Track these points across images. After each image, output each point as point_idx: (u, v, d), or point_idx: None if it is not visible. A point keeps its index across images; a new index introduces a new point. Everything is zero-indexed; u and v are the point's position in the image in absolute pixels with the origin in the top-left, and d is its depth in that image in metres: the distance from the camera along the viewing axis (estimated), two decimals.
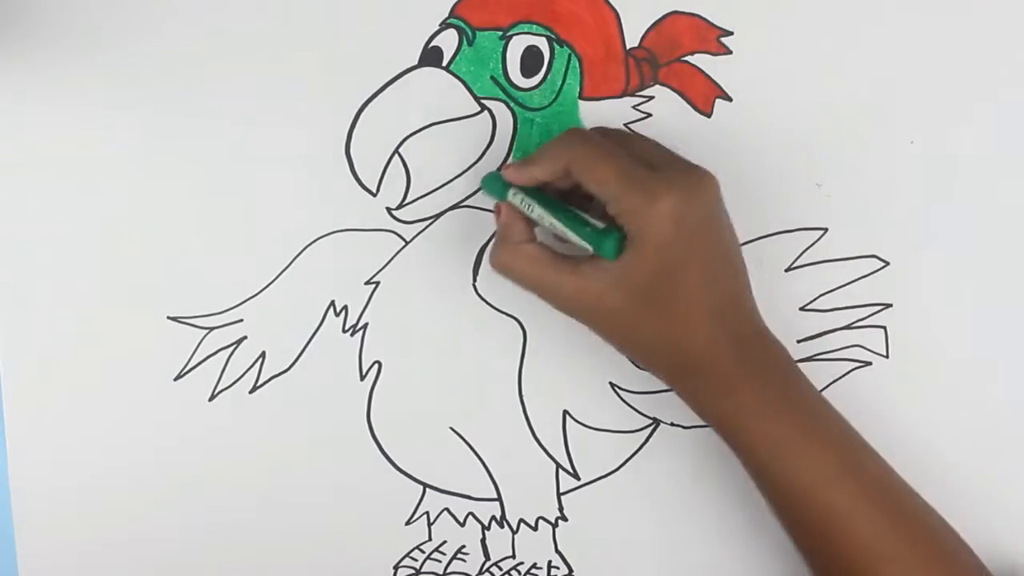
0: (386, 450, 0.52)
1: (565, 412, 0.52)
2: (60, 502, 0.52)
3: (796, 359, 0.50)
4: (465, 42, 0.49)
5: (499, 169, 0.47)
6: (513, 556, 0.54)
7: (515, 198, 0.46)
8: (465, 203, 0.50)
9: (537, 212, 0.45)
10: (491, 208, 0.50)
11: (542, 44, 0.49)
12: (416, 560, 0.53)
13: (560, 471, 0.53)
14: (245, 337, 0.51)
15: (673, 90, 0.49)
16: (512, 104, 0.49)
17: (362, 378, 0.52)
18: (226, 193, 0.50)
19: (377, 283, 0.51)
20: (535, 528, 0.53)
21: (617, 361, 0.51)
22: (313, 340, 0.51)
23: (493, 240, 0.48)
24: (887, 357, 0.51)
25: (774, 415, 0.44)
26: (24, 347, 0.51)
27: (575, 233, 0.44)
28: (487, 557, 0.54)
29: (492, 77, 0.49)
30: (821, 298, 0.51)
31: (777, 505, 0.46)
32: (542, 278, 0.45)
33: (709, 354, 0.44)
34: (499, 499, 0.53)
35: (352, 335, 0.51)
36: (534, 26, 0.49)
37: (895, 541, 0.44)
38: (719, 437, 0.46)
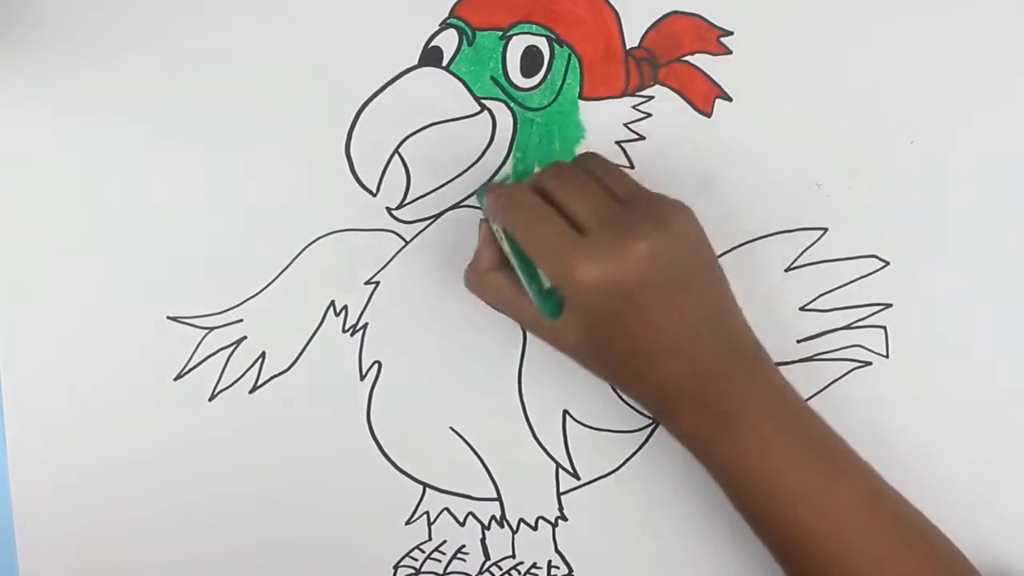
0: (386, 450, 0.52)
1: (565, 412, 0.52)
2: (60, 502, 0.52)
3: (796, 359, 0.50)
4: (465, 42, 0.49)
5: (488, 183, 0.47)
6: (513, 556, 0.54)
7: (493, 224, 0.46)
8: (465, 203, 0.50)
9: (506, 246, 0.45)
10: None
11: (542, 44, 0.49)
12: (416, 560, 0.53)
13: (560, 471, 0.53)
14: (245, 337, 0.51)
15: (673, 90, 0.50)
16: (512, 104, 0.49)
17: (362, 378, 0.52)
18: (226, 193, 0.50)
19: (377, 283, 0.51)
20: (535, 528, 0.53)
21: None
22: (313, 340, 0.51)
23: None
24: (887, 357, 0.51)
25: (758, 431, 0.43)
26: (24, 347, 0.51)
27: (526, 284, 0.44)
28: (487, 557, 0.54)
29: (492, 77, 0.49)
30: (821, 298, 0.51)
31: (758, 515, 0.45)
32: (505, 305, 0.47)
33: (666, 386, 0.44)
34: (499, 499, 0.53)
35: (352, 335, 0.51)
36: (534, 26, 0.49)
37: (886, 547, 0.44)
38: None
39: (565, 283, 0.42)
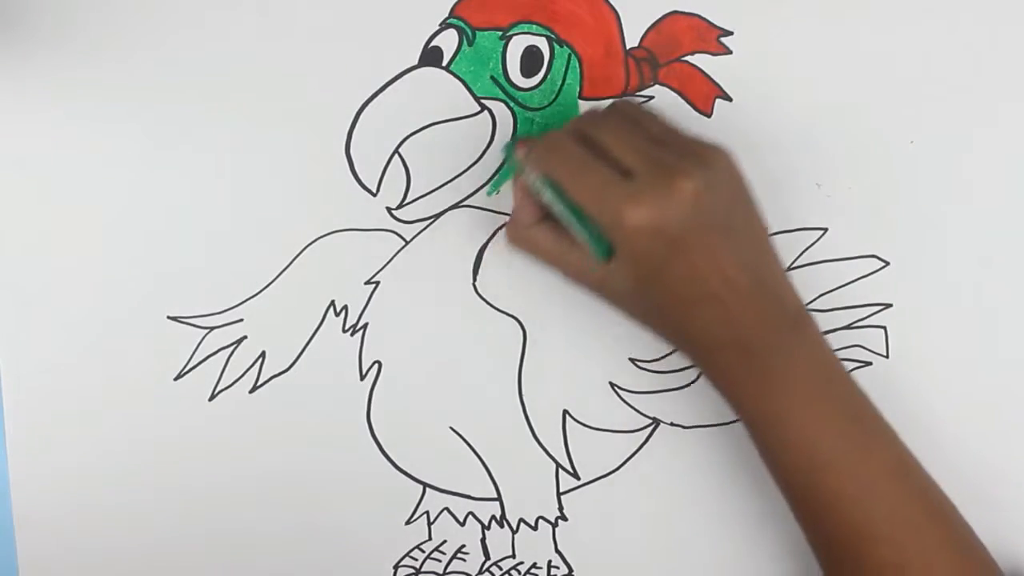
0: (386, 450, 0.52)
1: (565, 412, 0.52)
2: (60, 501, 0.52)
3: None
4: (465, 42, 0.49)
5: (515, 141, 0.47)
6: (513, 556, 0.54)
7: (529, 177, 0.45)
8: (465, 203, 0.50)
9: (548, 197, 0.44)
10: (491, 208, 0.50)
11: (542, 44, 0.49)
12: (416, 560, 0.53)
13: (560, 471, 0.53)
14: (245, 337, 0.51)
15: (673, 90, 0.49)
16: (512, 104, 0.49)
17: (362, 378, 0.52)
18: (226, 193, 0.50)
19: (377, 283, 0.51)
20: (535, 528, 0.53)
21: (617, 361, 0.51)
22: (313, 340, 0.51)
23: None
24: (887, 357, 0.51)
25: (798, 391, 0.44)
26: (24, 347, 0.51)
27: (576, 228, 0.44)
28: (487, 557, 0.54)
29: (492, 77, 0.49)
30: (821, 298, 0.51)
31: (789, 475, 0.45)
32: (550, 259, 0.46)
33: (707, 333, 0.43)
34: (499, 499, 0.53)
35: (352, 335, 0.51)
36: (534, 26, 0.49)
37: (912, 520, 0.44)
38: (734, 418, 0.46)
39: (616, 229, 0.41)
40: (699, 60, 0.49)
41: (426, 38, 0.49)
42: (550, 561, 0.54)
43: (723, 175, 0.42)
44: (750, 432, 0.46)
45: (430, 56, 0.49)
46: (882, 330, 0.51)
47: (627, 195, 0.41)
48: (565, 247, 0.45)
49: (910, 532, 0.44)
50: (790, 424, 0.44)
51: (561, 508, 0.53)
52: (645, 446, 0.52)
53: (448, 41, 0.49)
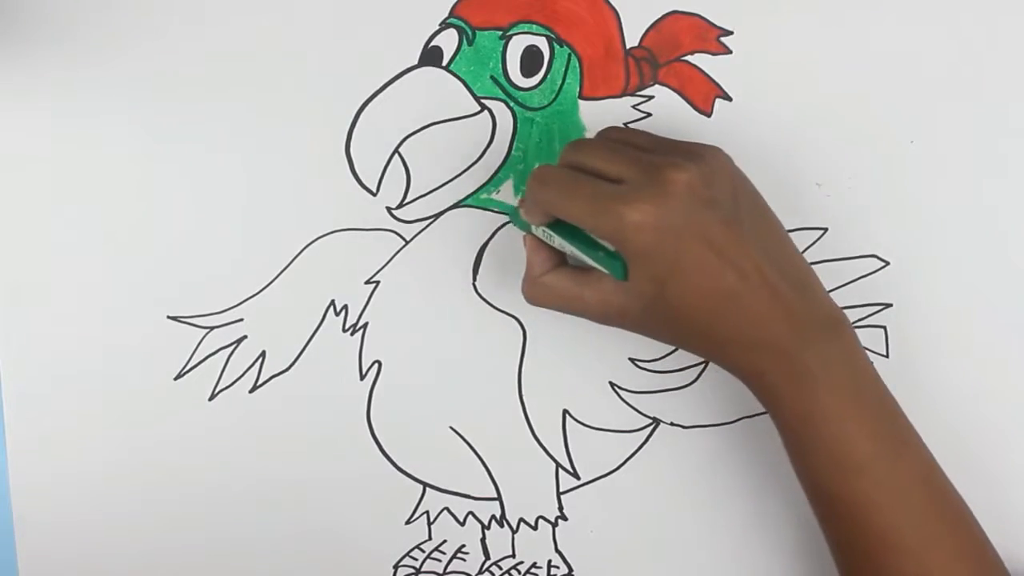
0: (386, 450, 0.52)
1: (565, 412, 0.52)
2: (60, 501, 0.52)
3: None
4: (465, 42, 0.49)
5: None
6: (513, 555, 0.54)
7: (537, 230, 0.46)
8: (465, 203, 0.50)
9: (557, 241, 0.45)
10: (491, 208, 0.50)
11: (542, 44, 0.49)
12: (416, 559, 0.53)
13: (560, 471, 0.53)
14: (245, 337, 0.51)
15: (673, 90, 0.49)
16: (512, 104, 0.49)
17: (362, 378, 0.52)
18: (226, 193, 0.50)
19: (377, 283, 0.51)
20: (535, 527, 0.53)
21: (617, 361, 0.51)
22: (313, 340, 0.51)
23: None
24: (887, 357, 0.51)
25: (834, 392, 0.43)
26: (24, 346, 0.51)
27: (590, 258, 0.44)
28: (487, 556, 0.54)
29: (492, 77, 0.49)
30: None
31: (819, 478, 0.44)
32: (568, 303, 0.45)
33: (740, 337, 0.43)
34: (499, 498, 0.53)
35: (352, 335, 0.51)
36: (534, 26, 0.49)
37: (936, 528, 0.44)
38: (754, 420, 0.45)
39: (619, 235, 0.41)
40: (699, 60, 0.49)
41: (426, 38, 0.49)
42: (550, 561, 0.54)
43: (718, 169, 0.42)
44: (783, 434, 0.45)
45: (430, 56, 0.49)
46: (882, 330, 0.51)
47: (622, 199, 0.41)
48: (580, 286, 0.45)
49: (933, 543, 0.44)
50: (825, 426, 0.43)
51: (561, 508, 0.53)
52: (645, 446, 0.52)
53: (448, 41, 0.49)
